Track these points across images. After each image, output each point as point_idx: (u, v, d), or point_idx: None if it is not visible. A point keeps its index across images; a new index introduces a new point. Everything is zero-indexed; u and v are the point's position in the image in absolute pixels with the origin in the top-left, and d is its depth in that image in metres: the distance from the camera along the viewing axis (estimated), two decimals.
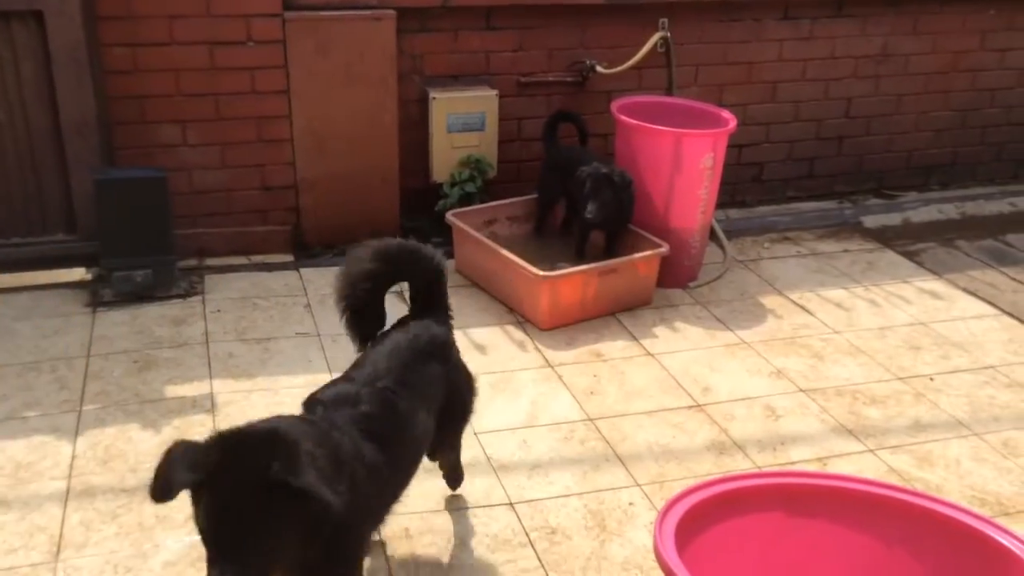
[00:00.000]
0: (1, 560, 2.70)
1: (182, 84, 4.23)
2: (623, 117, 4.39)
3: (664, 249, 4.22)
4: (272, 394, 3.50)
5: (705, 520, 1.82)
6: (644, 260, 4.19)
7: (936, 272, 4.75)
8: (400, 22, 4.43)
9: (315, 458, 1.90)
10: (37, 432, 3.23)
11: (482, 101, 4.68)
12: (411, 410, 2.39)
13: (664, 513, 1.76)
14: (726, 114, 4.46)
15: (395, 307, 2.78)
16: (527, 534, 2.89)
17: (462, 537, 2.86)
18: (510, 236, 4.51)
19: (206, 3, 4.13)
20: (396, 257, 2.63)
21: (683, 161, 4.24)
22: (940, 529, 1.94)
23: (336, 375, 3.57)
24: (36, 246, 4.18)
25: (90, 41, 3.97)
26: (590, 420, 3.46)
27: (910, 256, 4.93)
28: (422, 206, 4.79)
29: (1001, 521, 2.98)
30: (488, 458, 3.22)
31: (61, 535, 2.78)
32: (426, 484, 3.05)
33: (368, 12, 4.37)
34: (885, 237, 5.15)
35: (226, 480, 1.83)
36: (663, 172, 4.28)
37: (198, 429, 3.27)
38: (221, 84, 4.27)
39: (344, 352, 3.72)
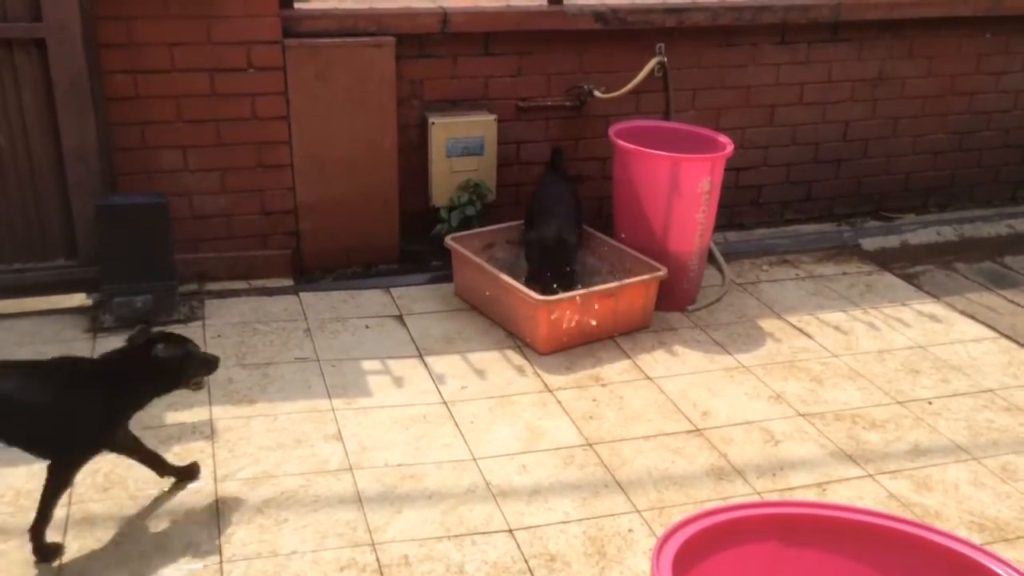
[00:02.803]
0: None
1: (183, 110, 4.27)
2: (620, 142, 4.41)
3: (662, 273, 4.23)
4: (272, 420, 3.51)
5: (702, 551, 1.83)
6: (642, 284, 4.21)
7: (935, 295, 4.76)
8: (399, 48, 4.47)
9: None
10: (37, 459, 3.22)
11: (481, 126, 4.71)
12: None
13: (661, 545, 1.77)
14: (723, 138, 4.49)
15: None
16: (526, 561, 2.89)
17: (461, 565, 2.86)
18: (509, 260, 4.52)
19: (207, 30, 4.17)
20: None
21: (681, 185, 4.26)
22: (935, 558, 1.94)
23: (336, 400, 3.61)
24: (37, 272, 4.19)
25: (92, 68, 4.00)
26: (589, 445, 3.47)
27: (909, 279, 4.94)
28: (421, 230, 4.81)
29: (1000, 546, 3.00)
30: (487, 483, 3.22)
31: (61, 564, 2.79)
32: (425, 511, 3.07)
33: (368, 38, 4.41)
34: (883, 259, 5.17)
35: None
36: (661, 196, 4.30)
37: (198, 456, 3.28)
38: (222, 110, 4.30)
39: (344, 377, 3.75)
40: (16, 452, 3.23)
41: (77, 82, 3.97)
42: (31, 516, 2.90)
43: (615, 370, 3.97)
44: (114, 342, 3.96)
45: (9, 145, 4.03)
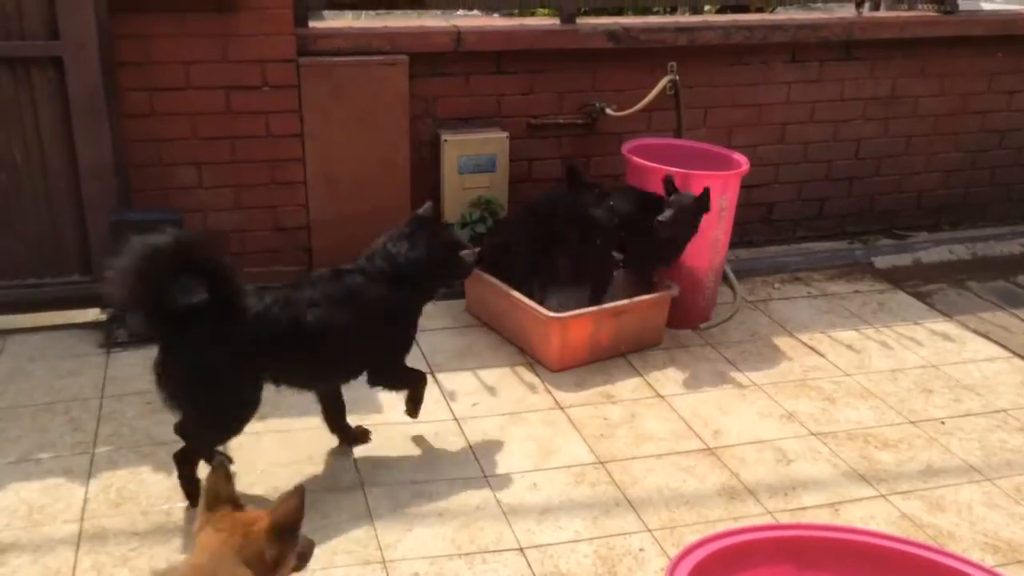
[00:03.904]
0: None
1: (198, 128, 4.30)
2: (635, 159, 4.42)
3: (674, 291, 4.23)
4: (284, 436, 3.51)
5: (714, 573, 1.82)
6: (654, 302, 4.21)
7: (947, 314, 4.75)
8: (412, 67, 4.50)
9: None
10: (51, 474, 3.25)
11: (493, 143, 4.73)
12: None
13: (673, 567, 1.77)
14: (738, 156, 4.50)
15: None
16: None
17: None
18: None
19: (223, 49, 4.20)
20: None
21: None
22: None
23: (348, 417, 3.60)
24: (51, 287, 4.23)
25: (108, 86, 4.04)
26: (600, 463, 3.46)
27: (921, 297, 4.93)
28: None
29: (1013, 568, 2.98)
30: (498, 501, 3.22)
31: None
32: (436, 528, 3.07)
33: (381, 57, 4.44)
34: (896, 278, 5.16)
35: None
36: None
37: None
38: (237, 128, 4.34)
39: (355, 393, 3.75)
40: (29, 466, 3.27)
41: (93, 99, 4.01)
42: (44, 531, 2.93)
43: (626, 388, 3.96)
44: (128, 357, 4.00)
45: (25, 161, 4.07)
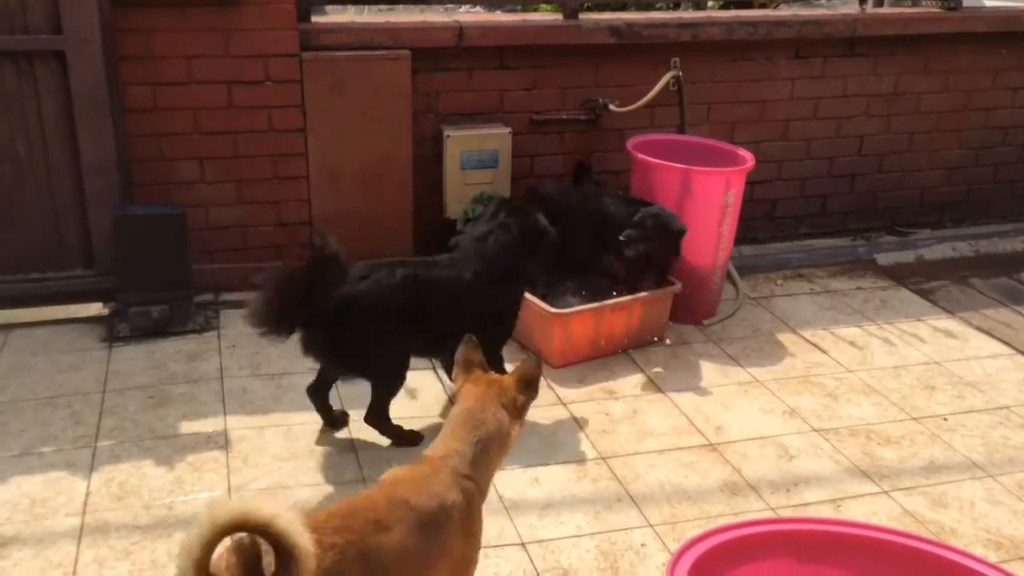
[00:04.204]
0: None
1: (201, 123, 4.30)
2: (640, 155, 4.41)
3: (677, 287, 4.23)
4: (286, 430, 3.52)
5: (716, 567, 1.82)
6: (657, 298, 4.20)
7: (950, 311, 4.74)
8: (415, 62, 4.49)
9: None
10: (52, 468, 3.25)
11: (496, 139, 4.72)
12: None
13: (675, 560, 1.77)
14: (743, 152, 4.49)
15: None
16: (539, 575, 2.88)
17: None
18: None
19: (225, 44, 4.20)
20: None
21: (703, 198, 4.25)
22: None
23: (350, 411, 3.61)
24: (54, 281, 4.23)
25: (111, 80, 4.04)
26: (602, 459, 3.46)
27: (924, 294, 4.92)
28: (435, 242, 4.82)
29: (1016, 564, 2.98)
30: (499, 496, 3.22)
31: (75, 572, 2.79)
32: None
33: (383, 52, 4.44)
34: (899, 275, 5.15)
35: None
36: (682, 209, 4.27)
37: (212, 466, 3.29)
38: (239, 123, 4.33)
39: (356, 388, 3.75)
40: (31, 460, 3.28)
41: (96, 94, 4.01)
42: (46, 524, 2.92)
43: (629, 384, 3.96)
44: (130, 352, 4.00)
45: (28, 156, 4.07)
